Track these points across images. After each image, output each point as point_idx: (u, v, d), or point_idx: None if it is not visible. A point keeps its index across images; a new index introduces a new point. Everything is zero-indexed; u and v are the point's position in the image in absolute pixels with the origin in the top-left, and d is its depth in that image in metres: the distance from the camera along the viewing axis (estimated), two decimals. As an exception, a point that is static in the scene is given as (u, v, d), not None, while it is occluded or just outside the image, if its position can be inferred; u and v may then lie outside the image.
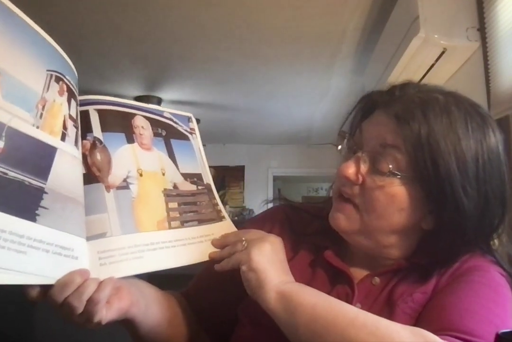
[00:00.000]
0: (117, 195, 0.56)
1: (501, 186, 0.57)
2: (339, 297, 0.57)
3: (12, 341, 1.50)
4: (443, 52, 1.64)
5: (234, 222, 0.68)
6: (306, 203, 0.81)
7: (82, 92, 0.58)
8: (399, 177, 0.56)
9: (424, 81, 1.68)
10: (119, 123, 0.61)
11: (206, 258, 0.60)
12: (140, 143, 0.62)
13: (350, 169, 0.59)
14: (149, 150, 0.63)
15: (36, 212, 0.45)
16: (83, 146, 0.56)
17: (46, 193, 0.47)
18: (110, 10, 2.23)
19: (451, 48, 1.61)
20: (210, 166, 0.72)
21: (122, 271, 0.52)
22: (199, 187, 0.68)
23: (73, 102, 0.55)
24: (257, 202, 5.31)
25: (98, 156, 0.57)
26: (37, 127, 0.48)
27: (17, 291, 0.45)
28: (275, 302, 0.53)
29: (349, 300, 0.60)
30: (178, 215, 0.62)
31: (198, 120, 0.75)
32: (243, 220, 4.70)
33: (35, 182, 0.46)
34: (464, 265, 0.59)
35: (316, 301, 0.52)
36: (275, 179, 6.06)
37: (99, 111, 0.59)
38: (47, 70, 0.51)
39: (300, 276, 0.60)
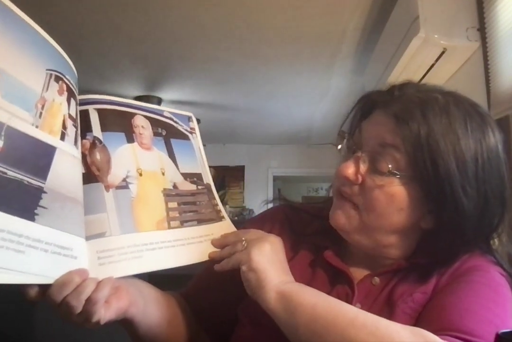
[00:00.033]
0: (116, 195, 0.56)
1: (500, 186, 0.57)
2: (339, 297, 0.57)
3: (12, 341, 1.50)
4: (443, 52, 1.64)
5: (234, 222, 0.68)
6: (306, 203, 0.81)
7: (82, 92, 0.58)
8: (398, 176, 0.56)
9: (424, 81, 1.68)
10: (119, 122, 0.61)
11: (206, 258, 0.60)
12: (140, 143, 0.62)
13: (350, 169, 0.59)
14: (149, 150, 0.63)
15: (35, 211, 0.45)
16: (82, 145, 0.56)
17: (45, 192, 0.47)
18: (110, 10, 2.23)
19: (451, 48, 1.61)
20: (210, 166, 0.72)
21: (121, 271, 0.52)
22: (199, 187, 0.68)
23: (72, 101, 0.55)
24: (257, 202, 5.31)
25: (98, 155, 0.56)
26: (37, 126, 0.48)
27: (17, 291, 0.45)
28: (275, 302, 0.53)
29: (349, 300, 0.60)
30: (177, 215, 0.62)
31: (198, 120, 0.75)
32: (243, 220, 4.69)
33: (34, 181, 0.46)
34: (464, 265, 0.59)
35: (316, 301, 0.52)
36: (275, 179, 6.05)
37: (99, 111, 0.59)
38: (47, 70, 0.51)
39: (300, 276, 0.60)
